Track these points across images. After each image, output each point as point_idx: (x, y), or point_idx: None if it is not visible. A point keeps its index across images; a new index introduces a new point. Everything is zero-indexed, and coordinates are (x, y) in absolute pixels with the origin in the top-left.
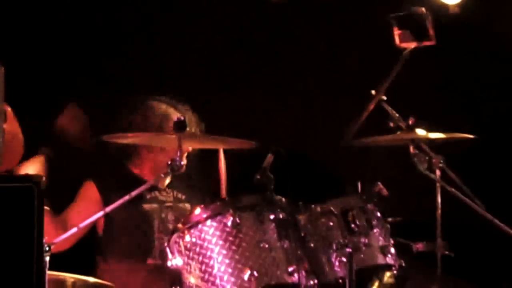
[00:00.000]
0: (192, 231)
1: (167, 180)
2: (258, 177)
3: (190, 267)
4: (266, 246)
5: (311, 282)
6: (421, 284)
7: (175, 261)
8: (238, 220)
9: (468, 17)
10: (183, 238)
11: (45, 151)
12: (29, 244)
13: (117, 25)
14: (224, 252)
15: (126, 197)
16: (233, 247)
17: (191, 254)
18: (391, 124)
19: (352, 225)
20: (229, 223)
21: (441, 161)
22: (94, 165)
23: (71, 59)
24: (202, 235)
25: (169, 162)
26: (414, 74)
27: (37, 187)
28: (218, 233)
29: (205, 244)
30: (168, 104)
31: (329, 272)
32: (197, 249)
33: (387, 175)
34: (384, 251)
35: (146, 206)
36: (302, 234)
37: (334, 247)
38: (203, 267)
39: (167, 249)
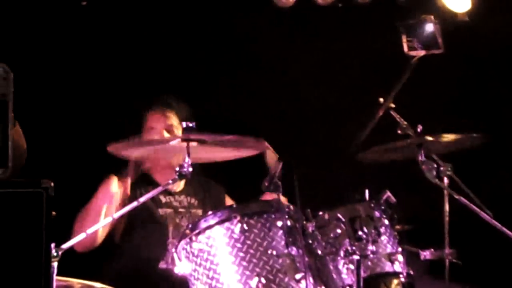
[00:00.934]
0: (199, 237)
1: (181, 185)
2: (266, 184)
3: (198, 274)
4: (274, 253)
5: None
6: None
7: (182, 267)
8: (246, 227)
9: (477, 25)
10: (190, 244)
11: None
12: (37, 249)
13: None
14: (232, 258)
15: (134, 203)
16: (241, 254)
17: (198, 260)
18: (399, 132)
19: (360, 233)
20: (237, 230)
21: (449, 169)
22: (115, 161)
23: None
24: (210, 241)
25: (177, 168)
26: (422, 82)
27: (46, 192)
28: (226, 239)
29: (213, 250)
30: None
31: (336, 280)
32: (205, 256)
33: (395, 182)
34: (391, 258)
35: (161, 211)
36: (310, 241)
37: (342, 254)
38: (211, 274)
39: (175, 255)
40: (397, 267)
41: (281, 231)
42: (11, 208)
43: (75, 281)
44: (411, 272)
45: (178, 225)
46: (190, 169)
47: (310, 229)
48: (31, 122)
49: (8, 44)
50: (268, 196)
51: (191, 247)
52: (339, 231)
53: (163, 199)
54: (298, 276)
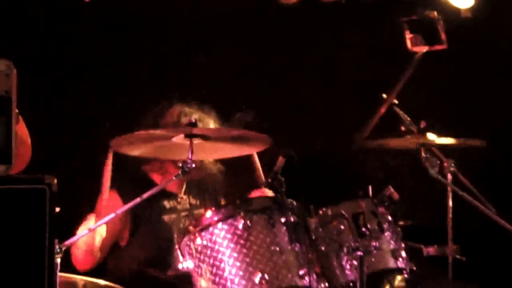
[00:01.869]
0: (203, 234)
1: (184, 186)
2: (269, 180)
3: (201, 270)
4: (277, 249)
5: (322, 286)
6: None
7: (186, 263)
8: (249, 223)
9: (480, 21)
10: (194, 240)
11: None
12: (40, 245)
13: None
14: (235, 255)
15: (138, 200)
16: (244, 250)
17: (202, 257)
18: (403, 128)
19: (363, 229)
20: (240, 226)
21: (452, 165)
22: (114, 173)
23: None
24: (213, 238)
25: (180, 164)
26: (425, 78)
27: (50, 189)
28: (229, 236)
29: (216, 247)
30: (191, 108)
31: (340, 276)
32: (208, 252)
33: (398, 178)
34: (395, 254)
35: (166, 217)
36: (313, 238)
37: (345, 250)
38: (214, 270)
39: (178, 252)
40: (400, 263)
41: (284, 227)
42: (15, 204)
43: (79, 278)
44: (414, 268)
45: (182, 230)
46: (194, 165)
47: (313, 225)
48: (35, 118)
49: (12, 40)
50: (257, 193)
51: (194, 243)
52: (342, 227)
53: (167, 205)
54: (301, 272)
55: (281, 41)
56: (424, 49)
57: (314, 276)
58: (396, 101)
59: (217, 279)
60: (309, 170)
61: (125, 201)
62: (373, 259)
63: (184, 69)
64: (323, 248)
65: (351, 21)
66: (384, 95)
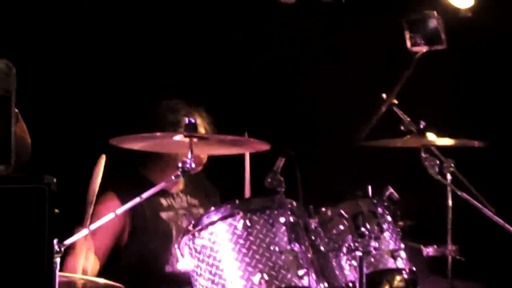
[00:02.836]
0: (202, 233)
1: (181, 185)
2: (269, 180)
3: (200, 270)
4: (277, 249)
5: (321, 286)
6: None
7: (185, 263)
8: (248, 223)
9: (480, 21)
10: (193, 240)
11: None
12: (40, 245)
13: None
14: (235, 254)
15: (137, 199)
16: (244, 250)
17: (201, 256)
18: (402, 128)
19: (363, 229)
20: (240, 226)
21: (452, 165)
22: (111, 175)
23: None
24: (213, 237)
25: (180, 164)
26: (425, 78)
27: (49, 188)
28: (228, 235)
29: (216, 246)
30: (182, 106)
31: (339, 276)
32: (207, 252)
33: (398, 178)
34: (394, 255)
35: (164, 214)
36: (313, 238)
37: (345, 250)
38: (213, 270)
39: (178, 251)
40: (400, 263)
41: (283, 227)
42: (14, 203)
43: (78, 277)
44: (414, 269)
45: (180, 227)
46: (193, 165)
47: (312, 225)
48: (34, 117)
49: (11, 39)
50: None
51: (193, 243)
52: (341, 227)
53: (164, 202)
54: (300, 272)
55: (280, 40)
56: (424, 49)
57: (314, 276)
58: (395, 101)
59: (216, 279)
60: (309, 170)
61: (123, 203)
62: (372, 259)
63: (185, 69)
64: (322, 248)
65: (351, 21)
66: (384, 95)
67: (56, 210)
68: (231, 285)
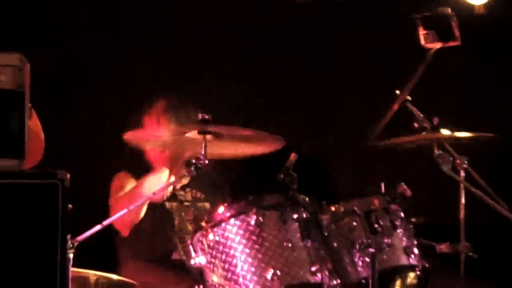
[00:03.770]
0: (215, 229)
1: (185, 180)
2: (282, 176)
3: (213, 266)
4: (289, 245)
5: (334, 282)
6: (445, 285)
7: (198, 259)
8: (261, 219)
9: (494, 17)
10: (206, 236)
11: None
12: (53, 240)
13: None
14: (247, 251)
15: (150, 195)
16: (256, 246)
17: (214, 252)
18: (416, 125)
19: (376, 226)
20: (253, 222)
21: (465, 162)
22: (123, 158)
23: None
24: (226, 233)
25: (193, 161)
26: (439, 75)
27: (62, 184)
28: (241, 232)
29: (228, 242)
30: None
31: (352, 272)
32: (220, 248)
33: (411, 175)
34: (407, 251)
35: (168, 204)
36: (325, 234)
37: (357, 247)
38: (226, 266)
39: (191, 247)
40: (413, 260)
41: (296, 224)
42: (27, 199)
43: (91, 273)
44: (427, 265)
45: (183, 218)
46: (206, 161)
47: (325, 222)
48: (48, 113)
49: (25, 35)
50: None
51: (207, 239)
52: (354, 223)
53: (169, 192)
54: (313, 268)
55: (292, 38)
56: (438, 45)
57: (326, 272)
58: (409, 98)
59: (229, 275)
60: (322, 167)
61: (136, 178)
62: (385, 256)
63: (189, 66)
64: (335, 245)
65: (365, 18)
66: (398, 92)
67: (70, 206)
68: (244, 281)
